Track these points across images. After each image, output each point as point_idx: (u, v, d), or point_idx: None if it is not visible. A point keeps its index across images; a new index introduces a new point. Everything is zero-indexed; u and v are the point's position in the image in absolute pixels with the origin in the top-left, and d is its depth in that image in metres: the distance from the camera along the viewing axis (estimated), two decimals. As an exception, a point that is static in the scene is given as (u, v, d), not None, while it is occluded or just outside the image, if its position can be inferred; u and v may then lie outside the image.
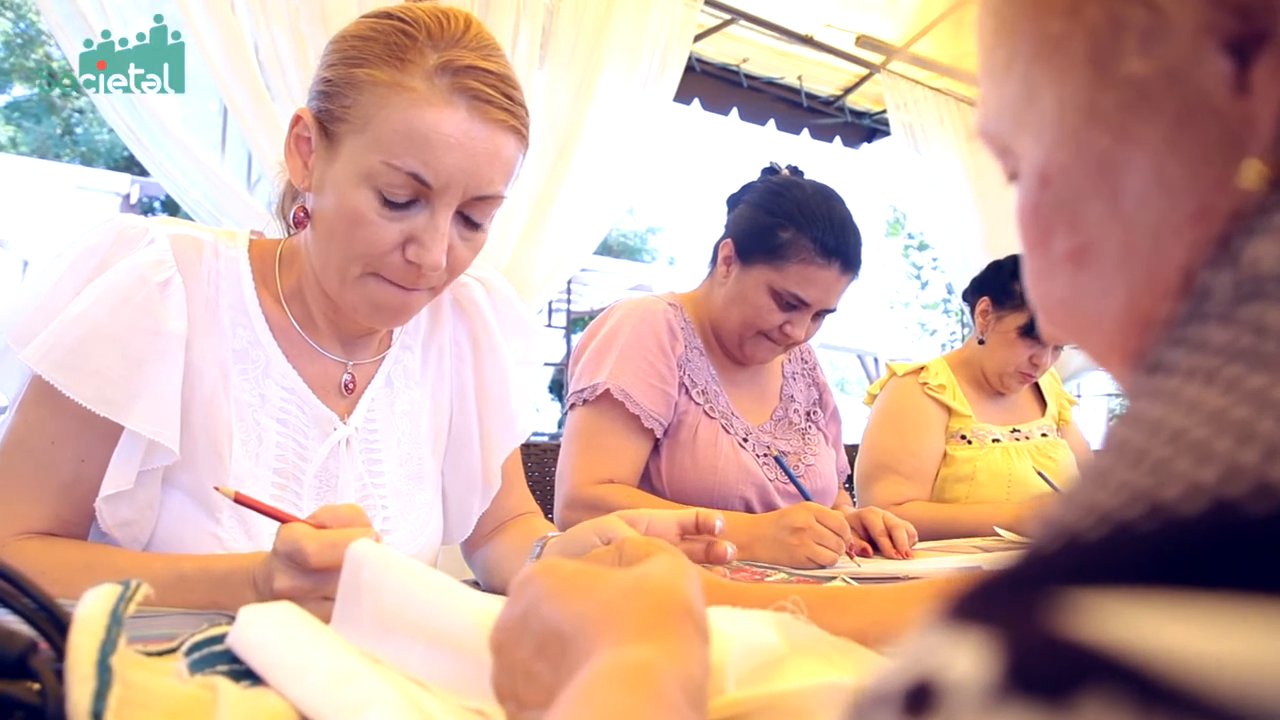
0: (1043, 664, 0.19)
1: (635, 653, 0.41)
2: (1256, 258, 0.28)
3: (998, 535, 1.79)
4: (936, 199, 4.28)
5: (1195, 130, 0.32)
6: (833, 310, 1.69)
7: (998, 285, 2.22)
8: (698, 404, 1.67)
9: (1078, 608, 0.20)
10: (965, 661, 0.20)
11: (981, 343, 2.23)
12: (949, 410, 2.18)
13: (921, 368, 2.24)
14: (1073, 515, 0.24)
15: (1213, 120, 0.32)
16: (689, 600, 0.47)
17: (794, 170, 1.80)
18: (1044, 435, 2.24)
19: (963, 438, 2.16)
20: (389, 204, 0.95)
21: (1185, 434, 0.24)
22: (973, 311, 2.29)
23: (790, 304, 1.63)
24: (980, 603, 0.23)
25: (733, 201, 1.79)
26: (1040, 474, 2.10)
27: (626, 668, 0.39)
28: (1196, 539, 0.21)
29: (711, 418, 1.68)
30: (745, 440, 1.70)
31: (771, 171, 1.81)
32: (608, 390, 1.59)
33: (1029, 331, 2.12)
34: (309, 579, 0.78)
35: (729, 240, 1.71)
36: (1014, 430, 2.21)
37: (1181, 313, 0.30)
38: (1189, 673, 0.18)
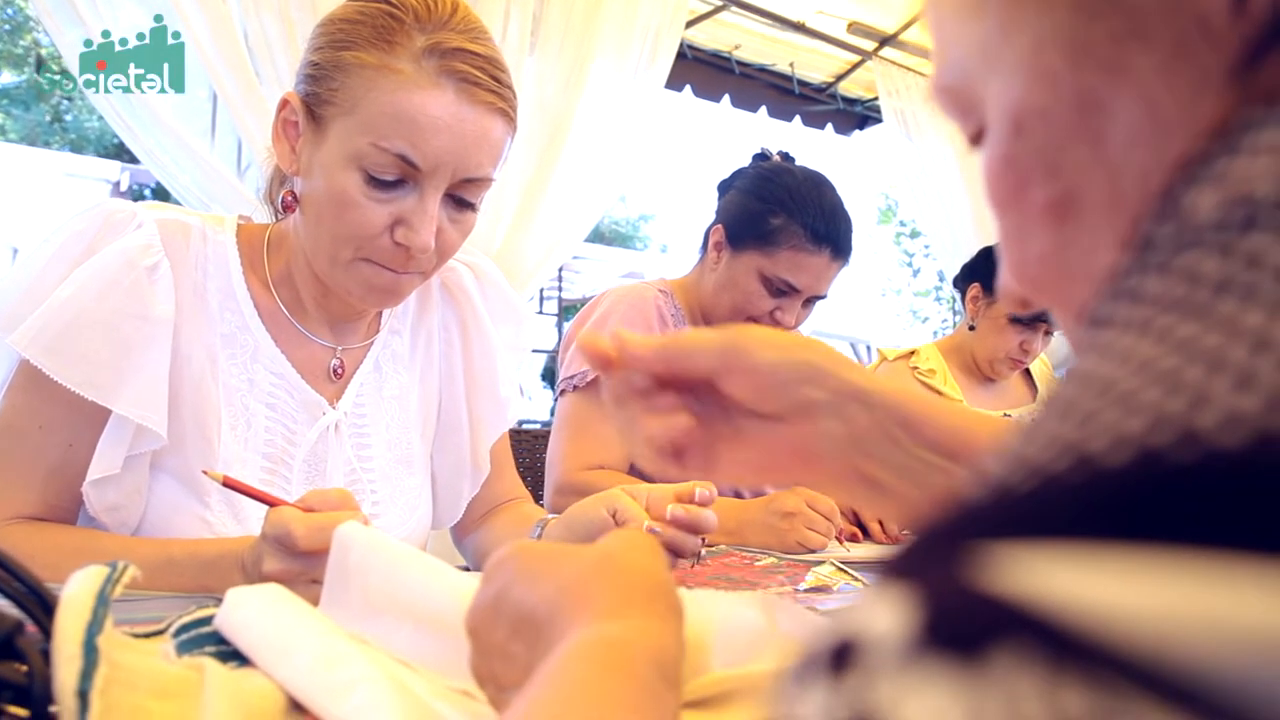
0: (957, 618, 0.19)
1: (607, 630, 0.41)
2: (1193, 207, 0.27)
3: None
4: (928, 186, 4.28)
5: (1191, 60, 0.31)
6: (823, 297, 1.69)
7: (989, 271, 2.22)
8: None
9: (996, 561, 0.20)
10: (886, 618, 0.20)
11: (972, 329, 2.24)
12: (939, 395, 2.18)
13: (912, 352, 2.25)
14: (1004, 469, 0.23)
15: (1209, 49, 0.30)
16: (658, 575, 0.47)
17: (785, 156, 1.80)
18: None
19: None
20: (377, 185, 0.95)
21: (1115, 385, 0.23)
22: (964, 298, 2.30)
23: (780, 290, 1.63)
24: (907, 559, 0.22)
25: (723, 187, 1.79)
26: None
27: (598, 645, 0.39)
28: (1120, 489, 0.20)
29: None
30: None
31: (763, 157, 1.80)
32: (597, 376, 1.59)
33: (1019, 316, 2.12)
34: (297, 562, 0.79)
35: (719, 226, 1.71)
36: (1005, 415, 2.21)
37: (1125, 265, 0.29)
38: (1101, 625, 0.18)
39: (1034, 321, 2.12)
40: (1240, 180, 0.27)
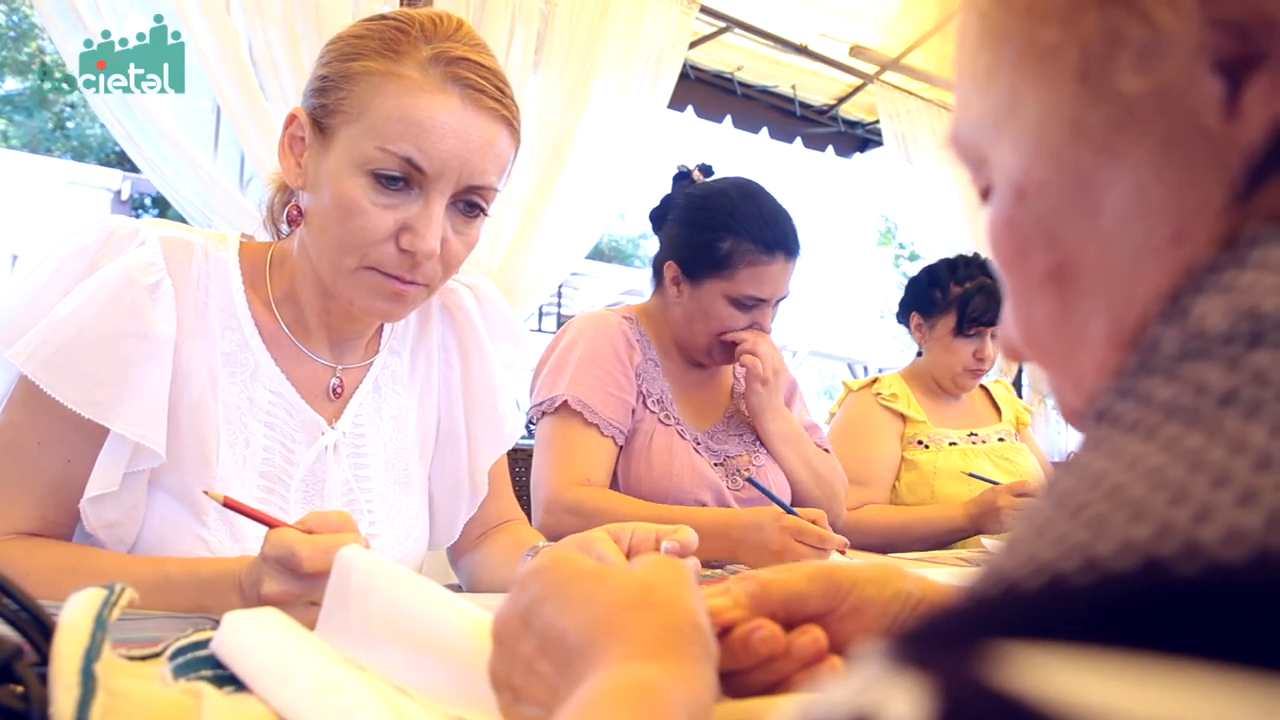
0: (971, 713, 0.20)
1: (642, 671, 0.40)
2: (1202, 315, 0.28)
3: (981, 547, 1.79)
4: (928, 209, 4.29)
5: (1182, 152, 0.32)
6: (786, 296, 1.72)
7: (920, 297, 2.31)
8: (653, 412, 1.70)
9: (1009, 659, 0.21)
10: (900, 704, 0.21)
11: (920, 354, 2.33)
12: (904, 418, 2.24)
13: (874, 380, 2.32)
14: (1013, 562, 0.24)
15: (1200, 143, 0.31)
16: (697, 617, 0.47)
17: (704, 170, 1.83)
18: (1001, 440, 2.30)
19: (919, 443, 2.22)
20: (382, 190, 0.96)
21: (1123, 489, 0.24)
22: (910, 330, 2.36)
23: (749, 305, 1.67)
24: (920, 646, 0.23)
25: (657, 219, 1.82)
26: (974, 474, 2.12)
27: (632, 687, 0.39)
28: (1126, 596, 0.21)
29: (666, 425, 1.70)
30: (698, 446, 1.72)
31: (683, 176, 1.84)
32: (566, 401, 1.61)
33: (960, 329, 2.20)
34: (299, 583, 0.78)
35: (672, 263, 1.74)
36: (971, 434, 2.26)
37: (1131, 364, 0.30)
38: None
39: (976, 328, 2.16)
40: (1247, 294, 0.28)
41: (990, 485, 2.03)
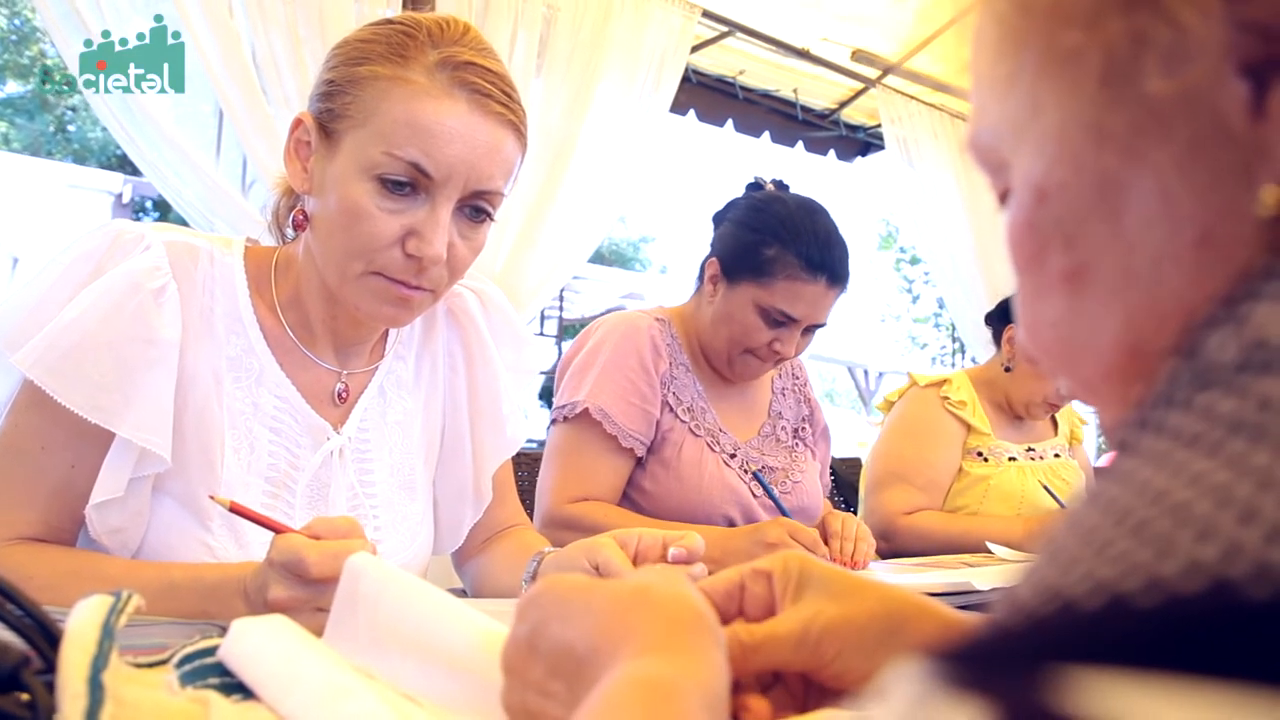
0: None
1: (652, 666, 0.40)
2: (1261, 324, 0.27)
3: (989, 552, 1.78)
4: (929, 213, 4.29)
5: (1207, 156, 0.32)
6: (822, 325, 1.68)
7: None
8: (683, 421, 1.67)
9: (1075, 684, 0.20)
10: None
11: (1008, 369, 2.21)
12: (968, 427, 2.16)
13: (944, 381, 2.22)
14: (1068, 579, 0.24)
15: (1226, 146, 0.31)
16: (698, 606, 0.46)
17: (779, 185, 1.79)
18: (1057, 456, 2.24)
19: (979, 455, 2.15)
20: (389, 195, 0.96)
21: (1187, 507, 0.23)
22: (997, 338, 2.27)
23: (778, 321, 1.62)
24: (979, 668, 0.23)
25: (718, 219, 1.78)
26: (1046, 488, 2.10)
27: (643, 682, 0.38)
28: (1194, 620, 0.21)
29: (697, 435, 1.67)
30: (733, 456, 1.69)
31: (756, 187, 1.80)
32: (587, 409, 1.59)
33: None
34: (307, 589, 0.78)
35: (714, 259, 1.70)
36: (1029, 449, 2.20)
37: (1180, 372, 0.29)
38: None
39: None
40: (1260, 325, 0.27)
41: (1057, 504, 1.98)
